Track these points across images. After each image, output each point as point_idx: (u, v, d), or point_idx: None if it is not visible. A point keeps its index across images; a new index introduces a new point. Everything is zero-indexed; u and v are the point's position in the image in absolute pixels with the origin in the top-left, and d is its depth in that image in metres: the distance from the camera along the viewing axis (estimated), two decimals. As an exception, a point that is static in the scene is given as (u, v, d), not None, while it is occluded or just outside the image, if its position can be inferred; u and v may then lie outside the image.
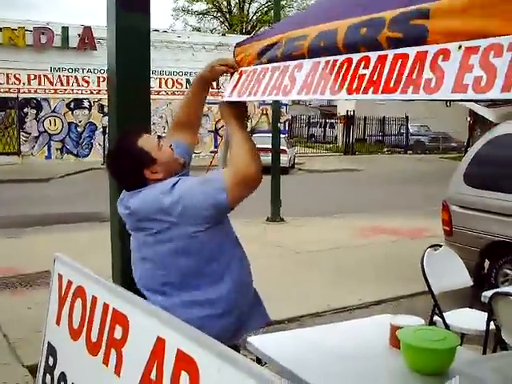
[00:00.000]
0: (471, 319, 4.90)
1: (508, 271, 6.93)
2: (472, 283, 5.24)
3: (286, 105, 33.62)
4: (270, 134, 14.61)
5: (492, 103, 6.95)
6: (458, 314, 5.11)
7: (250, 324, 3.00)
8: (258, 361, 3.37)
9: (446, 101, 7.28)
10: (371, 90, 2.08)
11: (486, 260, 7.26)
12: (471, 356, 3.37)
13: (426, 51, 1.95)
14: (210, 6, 54.34)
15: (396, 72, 2.02)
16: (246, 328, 3.00)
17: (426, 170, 27.61)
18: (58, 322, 2.85)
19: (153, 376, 2.07)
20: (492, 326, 4.24)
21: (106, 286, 2.49)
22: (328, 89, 2.26)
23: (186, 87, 30.78)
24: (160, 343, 2.07)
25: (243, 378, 1.69)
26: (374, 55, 2.12)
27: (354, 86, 2.15)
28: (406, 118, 41.56)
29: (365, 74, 2.13)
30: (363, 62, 2.16)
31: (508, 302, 4.03)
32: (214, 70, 3.01)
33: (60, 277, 2.90)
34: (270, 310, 3.10)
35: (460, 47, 1.85)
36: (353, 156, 37.64)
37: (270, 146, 14.31)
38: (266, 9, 53.12)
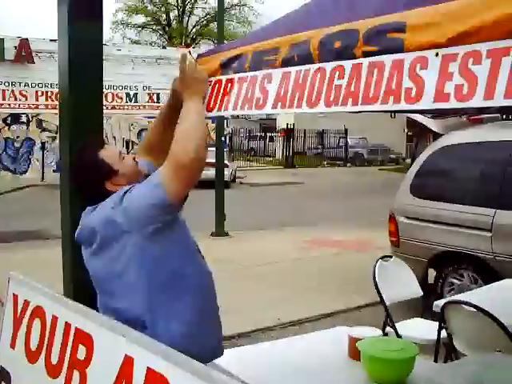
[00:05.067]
0: (422, 329, 4.95)
1: (454, 280, 7.03)
2: (422, 293, 5.31)
3: (226, 118, 33.59)
4: (214, 148, 14.56)
5: (437, 114, 7.08)
6: (409, 324, 5.16)
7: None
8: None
9: (391, 113, 7.41)
10: (350, 101, 2.05)
11: (433, 270, 7.36)
12: (428, 365, 3.40)
13: (402, 59, 1.93)
14: (149, 19, 54.03)
15: (374, 82, 1.99)
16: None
17: (366, 182, 28.00)
18: (12, 345, 2.72)
19: (121, 396, 2.00)
20: (443, 334, 4.30)
21: (68, 305, 2.40)
22: (304, 102, 2.22)
23: (126, 101, 30.42)
24: (128, 362, 1.99)
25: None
26: (347, 64, 2.09)
27: (332, 98, 2.11)
28: (345, 130, 42.10)
29: (341, 85, 2.09)
30: (337, 72, 2.12)
31: (459, 310, 4.09)
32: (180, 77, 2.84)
33: (15, 297, 2.78)
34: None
35: (437, 54, 1.84)
36: (293, 169, 37.89)
37: (213, 160, 14.26)
38: (205, 22, 53.20)
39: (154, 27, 55.36)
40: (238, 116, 55.78)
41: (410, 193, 7.56)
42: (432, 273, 7.33)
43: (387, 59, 1.98)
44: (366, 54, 2.05)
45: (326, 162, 42.44)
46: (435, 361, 4.44)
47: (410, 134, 43.90)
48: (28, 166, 28.73)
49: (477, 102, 1.76)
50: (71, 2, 3.43)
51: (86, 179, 2.79)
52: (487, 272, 6.58)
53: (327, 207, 18.59)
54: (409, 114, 7.82)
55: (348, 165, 41.61)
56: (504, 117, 7.25)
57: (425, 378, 2.61)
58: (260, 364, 3.28)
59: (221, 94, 2.66)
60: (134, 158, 2.87)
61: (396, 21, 1.98)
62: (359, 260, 9.08)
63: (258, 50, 2.53)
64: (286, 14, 2.65)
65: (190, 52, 2.87)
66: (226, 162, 22.87)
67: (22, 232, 13.84)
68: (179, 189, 2.54)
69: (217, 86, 2.70)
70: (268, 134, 49.00)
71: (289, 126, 40.53)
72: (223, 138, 16.45)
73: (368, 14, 2.08)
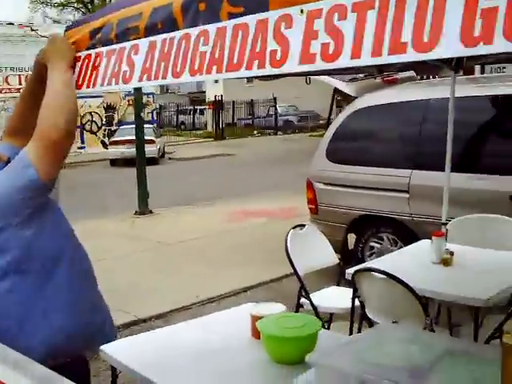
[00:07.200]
0: (338, 297, 4.86)
1: (374, 244, 6.97)
2: (338, 261, 5.21)
3: (152, 94, 33.05)
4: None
5: (352, 78, 6.97)
6: (325, 293, 5.08)
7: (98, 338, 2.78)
8: (113, 369, 3.13)
9: (306, 77, 7.18)
10: (215, 68, 1.97)
11: (353, 235, 7.29)
12: (333, 341, 3.24)
13: (267, 19, 1.82)
14: (71, -3, 52.67)
15: (238, 46, 1.89)
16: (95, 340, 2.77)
17: (297, 149, 27.96)
18: None
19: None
20: (357, 302, 4.19)
21: None
22: (170, 72, 2.12)
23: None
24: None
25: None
26: (212, 28, 1.98)
27: (197, 66, 2.02)
28: (274, 99, 42.05)
29: (206, 52, 1.99)
30: (202, 38, 2.01)
31: (369, 277, 3.98)
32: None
33: None
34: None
35: (302, 11, 1.73)
36: (223, 141, 37.81)
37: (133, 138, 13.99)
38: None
39: (76, 5, 53.89)
40: (167, 90, 55.18)
41: (325, 158, 7.42)
42: (352, 237, 7.27)
43: (251, 20, 1.87)
44: (232, 17, 1.93)
45: (256, 132, 42.38)
46: (350, 330, 4.36)
47: (339, 98, 44.10)
48: None
49: (343, 61, 1.65)
50: None
51: None
52: (406, 233, 6.52)
53: (258, 177, 18.49)
54: (323, 78, 7.66)
55: (279, 133, 41.61)
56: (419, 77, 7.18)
57: (323, 359, 2.44)
58: (157, 351, 3.09)
59: (90, 70, 2.52)
60: None
61: None
62: (286, 229, 8.93)
63: (122, 17, 2.39)
64: None
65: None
66: (152, 138, 22.70)
67: None
68: (52, 167, 2.38)
69: (86, 61, 2.55)
70: (197, 108, 48.62)
71: (217, 98, 40.26)
72: (149, 114, 16.11)
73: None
